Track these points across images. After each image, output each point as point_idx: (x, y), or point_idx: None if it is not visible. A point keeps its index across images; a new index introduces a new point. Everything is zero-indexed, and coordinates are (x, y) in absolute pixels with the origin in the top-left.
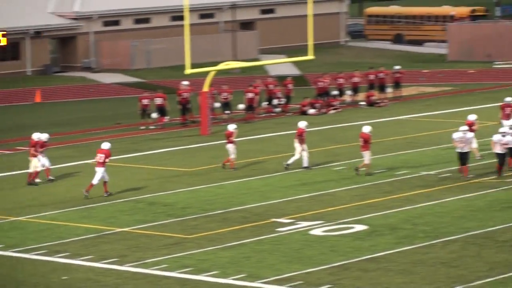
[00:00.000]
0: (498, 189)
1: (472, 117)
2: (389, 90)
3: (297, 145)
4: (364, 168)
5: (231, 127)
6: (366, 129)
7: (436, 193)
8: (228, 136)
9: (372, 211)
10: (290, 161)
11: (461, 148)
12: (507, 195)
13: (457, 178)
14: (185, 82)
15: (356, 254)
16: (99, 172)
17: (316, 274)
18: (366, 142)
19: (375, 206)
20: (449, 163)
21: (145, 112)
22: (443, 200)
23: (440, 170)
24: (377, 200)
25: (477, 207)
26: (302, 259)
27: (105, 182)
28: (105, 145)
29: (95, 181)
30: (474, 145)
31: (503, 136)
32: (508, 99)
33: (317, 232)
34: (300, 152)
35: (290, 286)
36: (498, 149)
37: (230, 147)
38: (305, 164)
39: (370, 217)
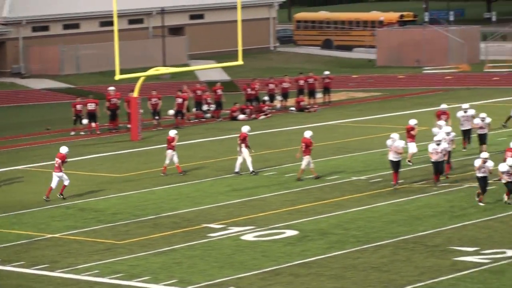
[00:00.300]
0: (428, 194)
1: (412, 122)
2: (319, 95)
3: (244, 149)
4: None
5: (172, 133)
6: (308, 134)
7: (367, 198)
8: (170, 141)
9: (303, 216)
10: (250, 166)
11: (394, 156)
12: (437, 200)
13: (387, 183)
14: (112, 88)
15: (287, 259)
16: (56, 176)
17: (247, 279)
18: (308, 147)
19: (306, 211)
20: (379, 168)
21: (78, 117)
22: (373, 205)
23: (371, 176)
24: (307, 205)
25: (408, 212)
26: (234, 264)
27: (64, 186)
28: (63, 149)
29: (53, 184)
30: (414, 150)
31: (438, 144)
32: (443, 106)
33: (249, 237)
34: (243, 156)
35: None
36: (434, 158)
37: (170, 152)
38: (237, 169)
39: (301, 222)
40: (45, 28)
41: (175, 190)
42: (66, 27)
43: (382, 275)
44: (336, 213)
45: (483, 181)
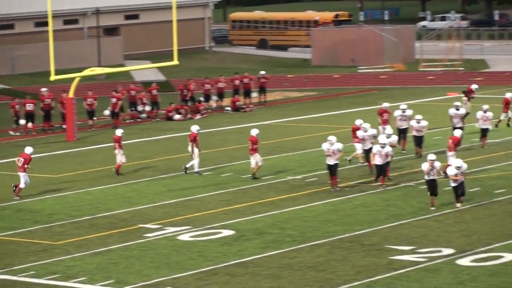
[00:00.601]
0: (364, 193)
1: (358, 122)
2: (254, 95)
3: (195, 149)
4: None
5: (119, 132)
6: (254, 132)
7: (303, 198)
8: (116, 141)
9: (239, 216)
10: (189, 164)
11: (329, 160)
12: (373, 199)
13: (323, 182)
14: (44, 89)
15: (224, 259)
16: (22, 176)
17: (184, 279)
18: (254, 145)
19: (242, 211)
20: (315, 167)
21: (17, 118)
22: (309, 205)
23: (306, 175)
24: (244, 205)
25: (344, 211)
26: (170, 265)
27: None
28: (27, 150)
29: (21, 184)
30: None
31: (383, 147)
32: (385, 104)
33: (185, 237)
34: (194, 156)
35: None
36: (378, 161)
37: (118, 152)
38: (196, 169)
39: (237, 222)
40: None
41: (111, 191)
42: (0, 27)
43: (318, 274)
44: (272, 212)
45: (433, 184)
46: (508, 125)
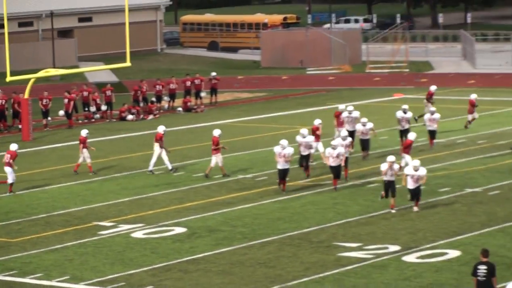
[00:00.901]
0: (312, 191)
1: (317, 122)
2: (203, 94)
3: (156, 148)
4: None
5: (84, 132)
6: (216, 132)
7: (253, 196)
8: (82, 141)
9: (191, 214)
10: (151, 166)
11: (283, 165)
12: (321, 198)
13: (273, 181)
14: None
15: (176, 256)
16: (9, 171)
17: (138, 276)
18: (216, 145)
19: (194, 209)
20: (264, 167)
21: None
22: (259, 203)
23: (256, 174)
24: (195, 203)
25: (293, 209)
26: (124, 261)
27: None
28: (13, 146)
29: (10, 180)
30: (321, 149)
31: (333, 149)
32: (341, 106)
33: (138, 234)
34: (154, 154)
35: (113, 287)
36: (332, 162)
37: (85, 151)
38: (170, 167)
39: (189, 219)
40: None
41: (66, 189)
42: None
43: (268, 270)
44: (223, 210)
45: (390, 185)
46: (465, 126)
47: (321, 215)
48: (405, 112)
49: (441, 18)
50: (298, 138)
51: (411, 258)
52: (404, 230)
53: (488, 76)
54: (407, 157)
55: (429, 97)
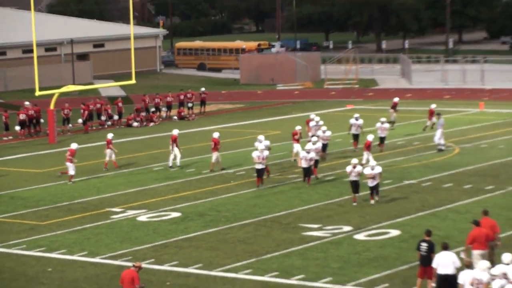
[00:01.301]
0: (283, 183)
1: (297, 128)
2: (190, 105)
3: (175, 148)
4: (216, 167)
5: (110, 136)
6: (216, 134)
7: (234, 187)
8: (108, 143)
9: (184, 201)
10: (178, 162)
11: (258, 165)
12: (289, 188)
13: (250, 175)
14: (27, 102)
15: (173, 235)
16: (70, 166)
17: (142, 251)
18: (216, 144)
19: (187, 197)
20: (243, 164)
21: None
22: (239, 192)
23: (237, 169)
24: (188, 193)
25: (266, 197)
26: (131, 239)
27: None
28: (73, 145)
29: (71, 172)
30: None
31: (308, 153)
32: (313, 115)
33: (143, 218)
34: (174, 153)
35: (122, 260)
36: (304, 164)
37: (109, 151)
38: (170, 164)
39: (183, 206)
40: None
41: (84, 182)
42: None
43: (247, 246)
44: (210, 199)
45: (355, 184)
46: (424, 129)
47: (289, 202)
48: (356, 119)
49: (384, 44)
50: (256, 143)
51: (361, 236)
52: (355, 214)
53: (422, 90)
54: (368, 154)
55: (394, 106)
